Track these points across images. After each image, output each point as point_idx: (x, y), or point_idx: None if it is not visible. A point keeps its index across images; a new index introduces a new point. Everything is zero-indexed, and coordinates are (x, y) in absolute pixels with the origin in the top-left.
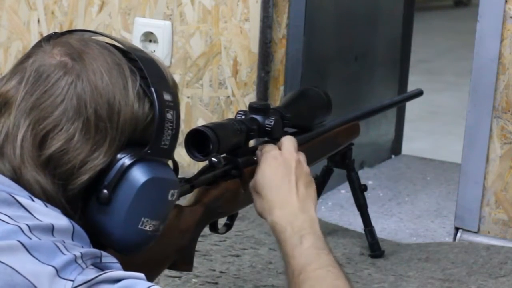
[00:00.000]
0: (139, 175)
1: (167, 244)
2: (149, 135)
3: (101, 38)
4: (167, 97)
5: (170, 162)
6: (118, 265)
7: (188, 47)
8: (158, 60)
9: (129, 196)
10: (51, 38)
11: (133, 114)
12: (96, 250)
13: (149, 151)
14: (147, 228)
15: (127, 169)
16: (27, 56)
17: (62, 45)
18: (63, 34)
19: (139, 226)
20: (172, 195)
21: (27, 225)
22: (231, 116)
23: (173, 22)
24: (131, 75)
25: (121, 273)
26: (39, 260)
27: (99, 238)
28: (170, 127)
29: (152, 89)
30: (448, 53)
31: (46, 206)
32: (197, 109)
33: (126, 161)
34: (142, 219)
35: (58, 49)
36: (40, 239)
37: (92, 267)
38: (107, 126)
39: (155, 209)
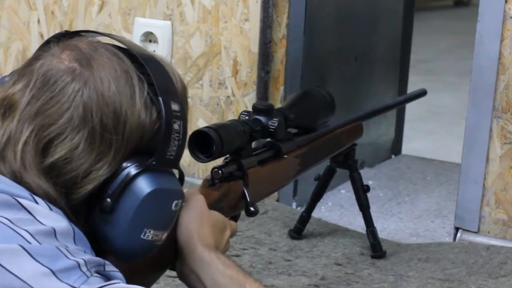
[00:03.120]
0: (143, 186)
1: (169, 245)
2: (156, 144)
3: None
4: (174, 107)
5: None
6: (120, 274)
7: (188, 47)
8: (168, 65)
9: (132, 206)
10: (61, 39)
11: (139, 124)
12: (99, 259)
13: (154, 162)
14: (149, 238)
15: (131, 179)
16: (35, 58)
17: (72, 49)
18: (74, 34)
19: (141, 236)
20: (176, 205)
21: (29, 232)
22: (231, 116)
23: (173, 22)
24: (139, 83)
25: (123, 286)
26: (42, 264)
27: (100, 245)
28: (177, 138)
29: (160, 99)
30: (448, 53)
31: (50, 208)
32: (197, 109)
33: (131, 171)
34: (145, 229)
35: (67, 53)
36: (42, 244)
37: (96, 274)
38: (113, 136)
39: (158, 220)
